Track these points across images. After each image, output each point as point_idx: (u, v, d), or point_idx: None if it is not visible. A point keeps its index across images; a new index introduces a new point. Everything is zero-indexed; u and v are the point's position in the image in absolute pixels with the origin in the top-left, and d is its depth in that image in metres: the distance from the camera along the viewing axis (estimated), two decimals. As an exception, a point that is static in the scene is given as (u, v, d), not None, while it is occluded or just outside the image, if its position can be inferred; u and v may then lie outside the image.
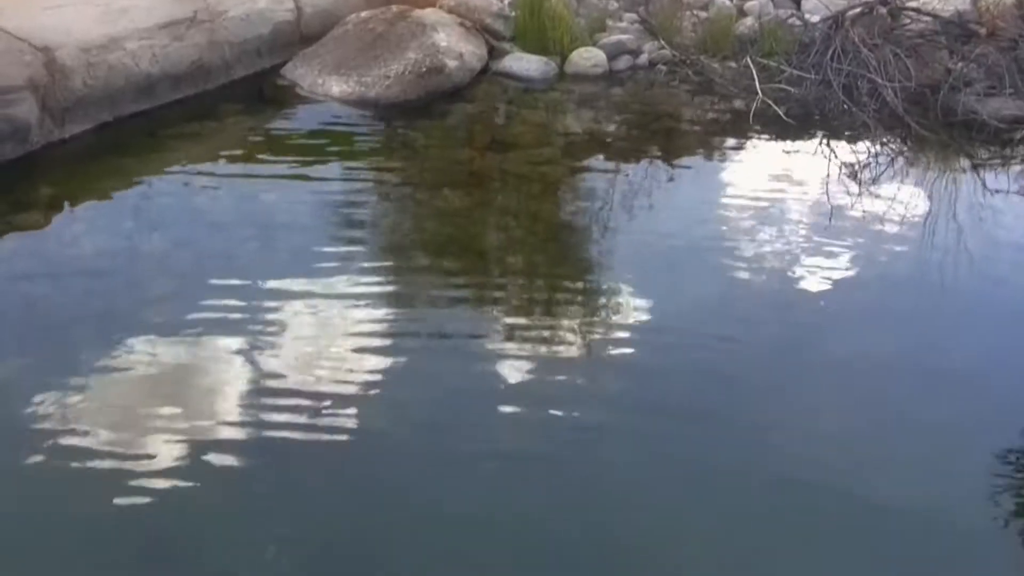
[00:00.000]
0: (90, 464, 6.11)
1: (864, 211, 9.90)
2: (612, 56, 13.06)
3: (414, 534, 5.77)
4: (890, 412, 6.97)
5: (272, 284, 8.04)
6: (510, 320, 7.95)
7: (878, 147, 11.40)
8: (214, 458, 6.22)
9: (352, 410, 6.69)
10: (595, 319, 8.06)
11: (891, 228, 9.65)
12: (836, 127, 11.80)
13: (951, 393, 7.27)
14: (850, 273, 8.81)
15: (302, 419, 6.56)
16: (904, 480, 6.29)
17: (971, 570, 5.74)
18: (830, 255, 9.02)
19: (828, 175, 10.67)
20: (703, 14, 13.76)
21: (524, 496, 6.09)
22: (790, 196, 10.26)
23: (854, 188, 10.39)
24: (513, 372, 7.14)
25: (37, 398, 6.60)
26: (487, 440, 6.52)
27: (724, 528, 5.91)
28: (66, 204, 9.35)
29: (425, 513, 5.91)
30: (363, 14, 12.77)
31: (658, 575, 5.62)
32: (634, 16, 13.60)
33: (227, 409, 6.65)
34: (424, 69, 11.95)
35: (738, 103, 12.30)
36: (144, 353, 7.14)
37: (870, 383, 7.29)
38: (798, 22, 13.15)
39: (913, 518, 5.99)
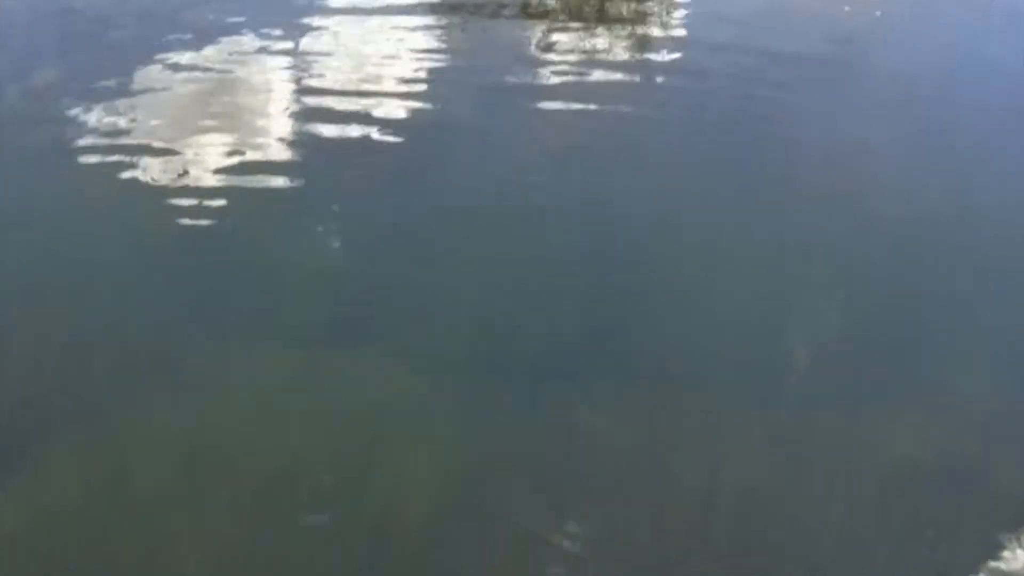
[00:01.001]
0: (138, 167, 6.12)
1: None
2: None
3: (464, 227, 5.77)
4: (936, 123, 6.85)
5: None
6: (554, 20, 7.78)
7: None
8: (263, 155, 6.21)
9: (398, 109, 6.64)
10: (642, 23, 7.87)
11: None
12: None
13: (1000, 103, 7.13)
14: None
15: (349, 119, 6.52)
16: (944, 192, 6.22)
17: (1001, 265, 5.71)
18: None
19: None
20: None
21: (569, 188, 6.07)
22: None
23: None
24: (558, 72, 7.04)
25: (81, 105, 6.55)
26: (531, 138, 6.47)
27: (763, 230, 5.88)
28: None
29: (473, 207, 5.91)
30: None
31: (704, 269, 5.62)
32: None
33: (274, 108, 6.61)
34: None
35: None
36: (186, 56, 7.04)
37: (917, 95, 7.15)
38: None
39: (952, 227, 5.95)
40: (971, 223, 5.93)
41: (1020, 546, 4.41)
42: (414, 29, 7.49)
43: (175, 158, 6.14)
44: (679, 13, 7.97)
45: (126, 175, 6.06)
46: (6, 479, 4.51)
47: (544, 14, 7.97)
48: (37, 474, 4.52)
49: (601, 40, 7.59)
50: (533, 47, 7.39)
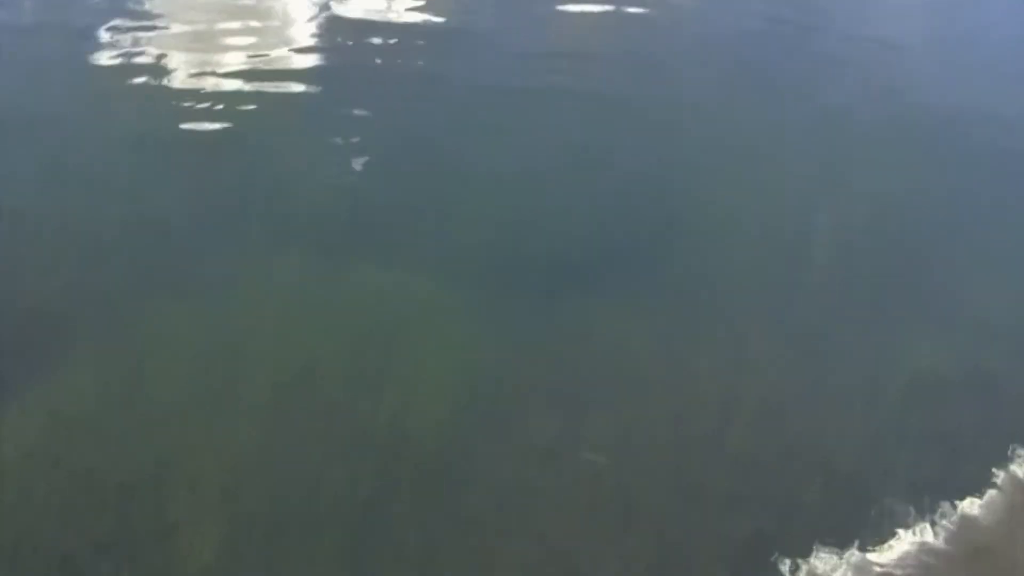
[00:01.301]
0: (161, 83, 6.09)
1: None
2: None
3: (483, 126, 5.77)
4: (969, 25, 6.82)
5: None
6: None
7: None
8: (284, 55, 6.19)
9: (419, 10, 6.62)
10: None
11: None
12: None
13: None
14: None
15: (371, 23, 6.51)
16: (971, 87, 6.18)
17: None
18: None
19: None
20: None
21: (588, 87, 6.06)
22: None
23: None
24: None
25: (105, 18, 6.53)
26: (548, 43, 6.47)
27: (783, 124, 5.84)
28: None
29: (493, 106, 5.89)
30: None
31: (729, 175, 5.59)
32: None
33: (296, 9, 6.59)
34: None
35: None
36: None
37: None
38: None
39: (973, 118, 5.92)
40: (997, 124, 5.93)
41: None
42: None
43: (196, 58, 6.14)
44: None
45: (146, 78, 6.05)
46: (28, 386, 4.58)
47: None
48: (58, 380, 4.57)
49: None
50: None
